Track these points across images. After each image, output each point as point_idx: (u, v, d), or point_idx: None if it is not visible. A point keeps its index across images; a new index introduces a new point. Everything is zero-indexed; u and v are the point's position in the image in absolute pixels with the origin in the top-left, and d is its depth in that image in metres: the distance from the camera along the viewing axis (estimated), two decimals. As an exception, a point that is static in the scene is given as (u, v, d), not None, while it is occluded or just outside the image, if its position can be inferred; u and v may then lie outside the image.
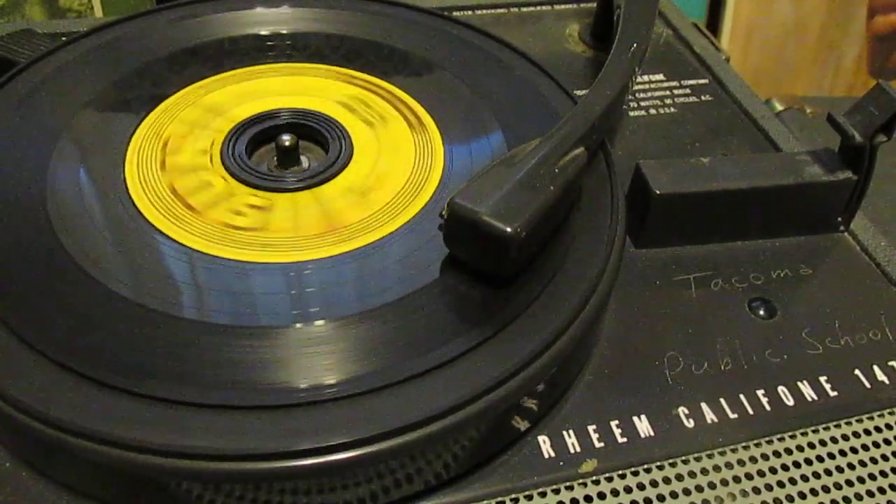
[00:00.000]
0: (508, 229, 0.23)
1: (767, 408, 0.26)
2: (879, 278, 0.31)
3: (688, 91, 0.39)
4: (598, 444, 0.24)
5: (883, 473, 0.25)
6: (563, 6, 0.45)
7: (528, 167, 0.25)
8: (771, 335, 0.28)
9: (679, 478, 0.24)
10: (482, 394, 0.22)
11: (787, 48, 0.77)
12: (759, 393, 0.26)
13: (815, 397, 0.26)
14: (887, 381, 0.27)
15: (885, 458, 0.25)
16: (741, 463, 0.24)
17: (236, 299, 0.24)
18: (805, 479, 0.24)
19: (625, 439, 0.25)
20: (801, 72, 0.78)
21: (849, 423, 0.26)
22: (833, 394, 0.27)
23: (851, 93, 0.80)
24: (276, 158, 0.30)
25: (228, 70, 0.34)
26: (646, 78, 0.40)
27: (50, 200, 0.27)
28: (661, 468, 0.24)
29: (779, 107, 0.48)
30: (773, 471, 0.24)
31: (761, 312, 0.29)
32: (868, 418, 0.26)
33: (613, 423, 0.25)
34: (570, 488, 0.23)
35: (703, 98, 0.39)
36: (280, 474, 0.20)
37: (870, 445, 0.25)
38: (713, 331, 0.28)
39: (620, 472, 0.24)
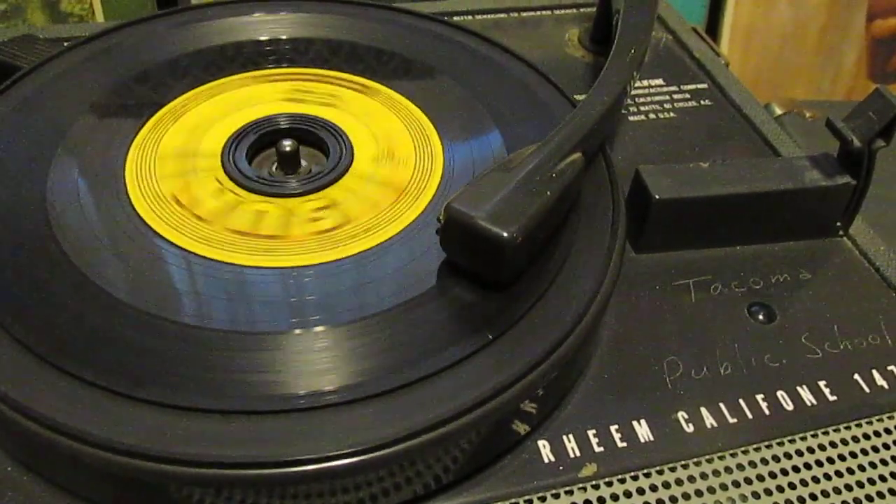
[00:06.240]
0: (505, 234, 0.23)
1: (767, 412, 0.26)
2: (878, 283, 0.31)
3: (687, 96, 0.40)
4: (597, 449, 0.24)
5: (882, 478, 0.25)
6: (562, 11, 0.45)
7: (525, 171, 0.25)
8: (770, 340, 0.28)
9: (678, 482, 0.24)
10: (481, 400, 0.22)
11: (786, 52, 0.77)
12: (759, 397, 0.26)
13: (815, 402, 0.26)
14: (886, 386, 0.27)
15: (884, 462, 0.25)
16: (740, 467, 0.25)
17: (235, 304, 0.25)
18: (804, 483, 0.24)
19: (624, 444, 0.25)
20: (801, 76, 0.78)
21: (848, 428, 0.26)
22: (832, 398, 0.27)
23: (851, 97, 0.80)
24: (276, 163, 0.30)
25: (228, 75, 0.34)
26: (645, 83, 0.40)
27: (50, 205, 0.27)
28: (660, 473, 0.24)
29: (778, 111, 0.48)
30: (772, 475, 0.24)
31: (761, 317, 0.29)
32: (867, 423, 0.26)
33: (613, 428, 0.25)
34: (570, 493, 0.23)
35: (702, 103, 0.39)
36: (278, 480, 0.20)
37: (868, 450, 0.25)
38: (713, 335, 0.28)
39: (620, 476, 0.24)
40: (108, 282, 0.25)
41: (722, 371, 0.27)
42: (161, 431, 0.21)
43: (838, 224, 0.32)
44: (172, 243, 0.26)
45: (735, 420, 0.26)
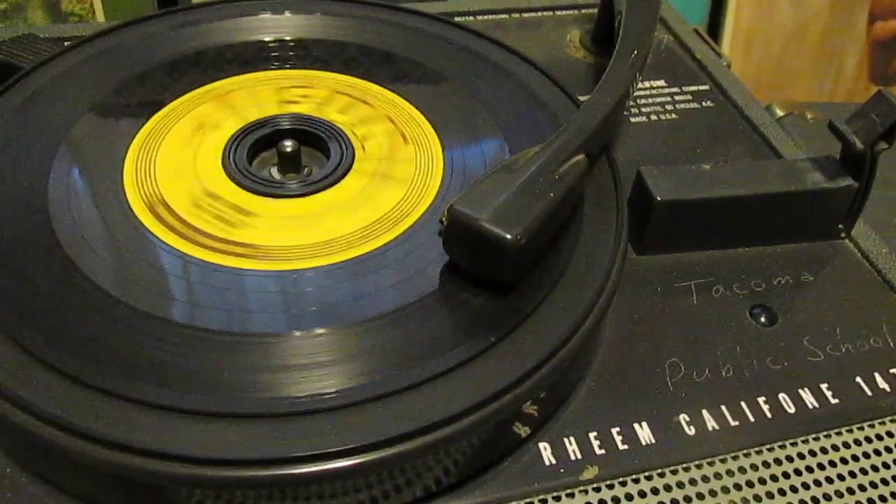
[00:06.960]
0: (508, 236, 0.23)
1: (769, 415, 0.26)
2: (880, 285, 0.31)
3: (689, 97, 0.39)
4: (599, 451, 0.24)
5: (884, 481, 0.25)
6: (564, 12, 0.45)
7: (528, 173, 0.25)
8: (772, 342, 0.28)
9: (680, 485, 0.24)
10: (482, 403, 0.22)
11: (787, 54, 0.77)
12: (761, 400, 0.26)
13: (817, 405, 0.26)
14: (888, 389, 0.27)
15: (886, 465, 0.25)
16: (742, 470, 0.24)
17: (235, 307, 0.24)
18: (806, 486, 0.24)
19: (626, 446, 0.25)
20: (802, 77, 0.78)
21: (850, 431, 0.26)
22: (834, 401, 0.27)
23: (852, 99, 0.80)
24: (277, 164, 0.30)
25: (229, 76, 0.34)
26: (647, 84, 0.40)
27: (51, 204, 0.27)
28: (662, 475, 0.24)
29: (779, 113, 0.48)
30: (774, 478, 0.24)
31: (762, 319, 0.29)
32: (869, 426, 0.26)
33: (614, 430, 0.25)
34: (571, 496, 0.23)
35: (703, 104, 0.39)
36: (280, 482, 0.20)
37: (871, 453, 0.25)
38: (714, 338, 0.28)
39: (621, 479, 0.24)
40: (109, 282, 0.25)
41: (723, 373, 0.27)
42: (160, 431, 0.21)
43: (840, 226, 0.32)
44: (171, 245, 0.26)
45: (737, 423, 0.26)
